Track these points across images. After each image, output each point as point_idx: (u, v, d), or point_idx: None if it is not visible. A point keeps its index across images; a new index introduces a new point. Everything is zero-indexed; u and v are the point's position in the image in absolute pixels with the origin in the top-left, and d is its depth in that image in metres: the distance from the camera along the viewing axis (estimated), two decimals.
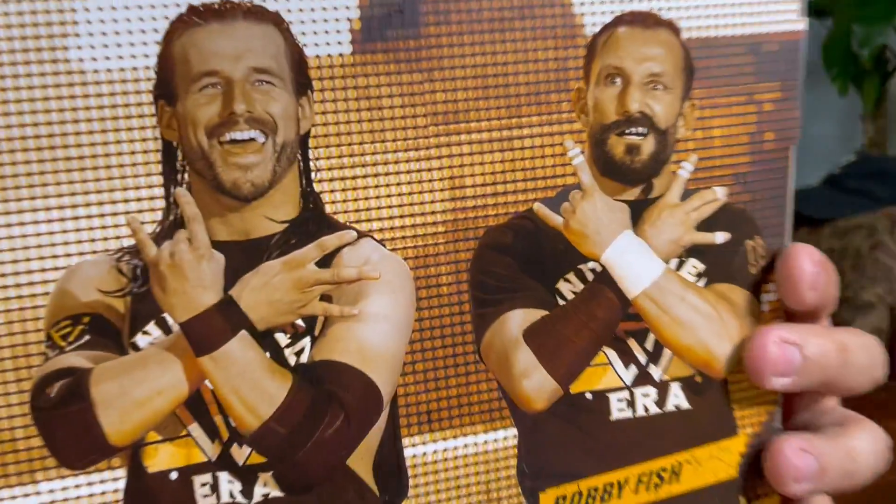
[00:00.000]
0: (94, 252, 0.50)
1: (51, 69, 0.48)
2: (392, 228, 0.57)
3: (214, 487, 0.54)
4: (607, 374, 0.64)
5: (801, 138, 0.66)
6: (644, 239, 0.63)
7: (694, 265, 0.66)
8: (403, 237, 0.57)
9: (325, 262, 0.56)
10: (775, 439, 0.60)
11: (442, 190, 0.58)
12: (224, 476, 0.54)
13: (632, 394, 0.64)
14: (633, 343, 0.65)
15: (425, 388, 0.59)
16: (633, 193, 0.64)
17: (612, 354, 0.64)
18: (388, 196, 0.57)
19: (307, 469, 0.54)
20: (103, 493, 0.51)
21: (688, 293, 0.63)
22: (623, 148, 0.62)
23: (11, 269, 0.49)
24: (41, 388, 0.50)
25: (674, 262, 0.65)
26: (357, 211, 0.56)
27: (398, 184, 0.57)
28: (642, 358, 0.65)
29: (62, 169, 0.49)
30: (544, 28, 0.58)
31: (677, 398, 0.65)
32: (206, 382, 0.53)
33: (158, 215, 0.53)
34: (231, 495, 0.54)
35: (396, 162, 0.57)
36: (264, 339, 0.54)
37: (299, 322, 0.56)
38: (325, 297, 0.56)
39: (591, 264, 0.63)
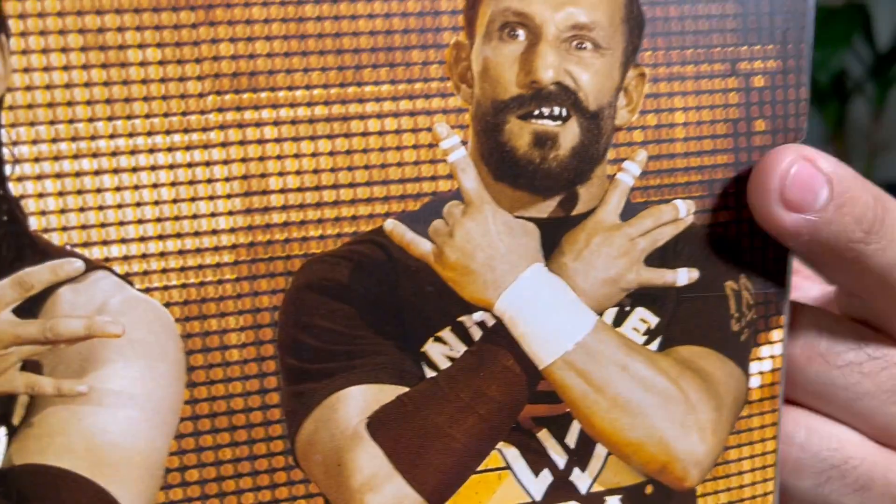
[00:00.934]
0: None
1: None
2: (145, 256, 0.36)
3: None
4: (505, 483, 0.42)
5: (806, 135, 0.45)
6: (565, 277, 0.41)
7: (643, 318, 0.44)
8: (165, 270, 0.37)
9: (32, 308, 0.35)
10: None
11: (229, 196, 0.37)
12: None
13: None
14: (545, 437, 0.43)
15: None
16: (547, 208, 0.43)
17: (512, 454, 0.43)
18: (139, 204, 0.36)
19: None
20: None
21: (633, 360, 0.42)
22: (529, 138, 0.41)
23: None
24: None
25: (611, 314, 0.43)
26: (85, 227, 0.36)
27: (155, 185, 0.36)
28: (560, 459, 0.43)
29: None
30: None
31: None
32: None
33: None
34: None
35: (152, 150, 0.36)
36: None
37: None
38: (32, 366, 0.35)
39: (478, 315, 0.42)
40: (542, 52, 0.40)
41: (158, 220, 0.36)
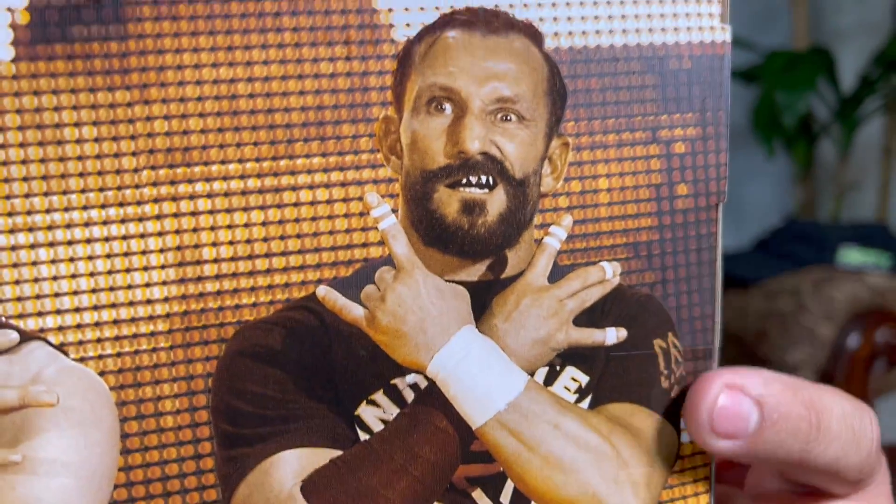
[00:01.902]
0: None
1: None
2: (80, 326, 0.37)
3: None
4: None
5: (733, 197, 0.47)
6: (495, 339, 0.42)
7: (573, 377, 0.45)
8: (100, 339, 0.38)
9: None
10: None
11: (164, 267, 0.38)
12: None
13: None
14: (480, 496, 0.44)
15: None
16: (476, 272, 0.44)
17: None
18: (74, 276, 0.37)
19: None
20: None
21: (564, 418, 0.43)
22: (458, 206, 0.43)
23: None
24: None
25: (542, 373, 0.45)
26: (20, 299, 0.37)
27: (90, 257, 0.37)
28: None
29: None
30: (330, 28, 0.40)
31: None
32: None
33: None
34: None
35: (88, 224, 0.37)
36: None
37: None
38: None
39: (410, 377, 0.43)
40: (468, 125, 0.41)
41: (93, 290, 0.37)
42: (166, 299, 0.38)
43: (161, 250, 0.38)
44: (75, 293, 0.37)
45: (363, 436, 0.41)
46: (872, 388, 1.98)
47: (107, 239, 0.37)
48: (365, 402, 0.42)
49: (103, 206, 0.37)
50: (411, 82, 0.42)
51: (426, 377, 0.41)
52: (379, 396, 0.42)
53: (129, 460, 0.38)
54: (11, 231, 0.36)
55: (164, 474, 0.38)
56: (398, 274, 0.41)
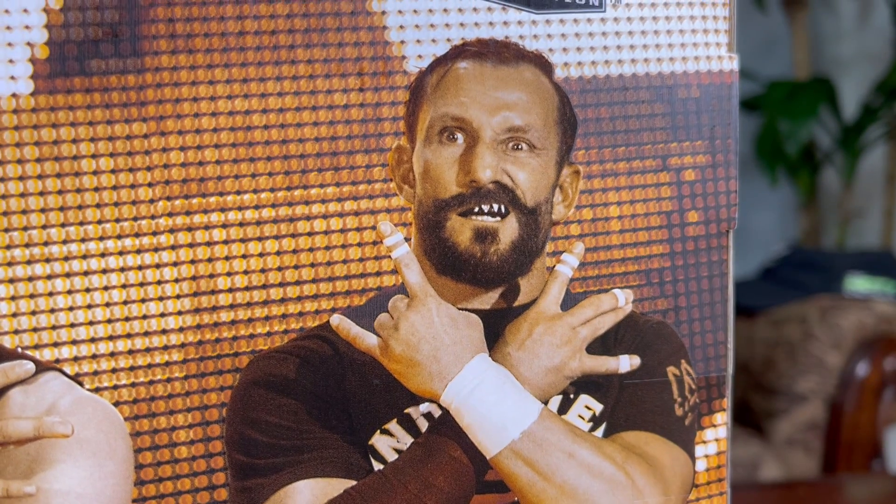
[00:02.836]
0: None
1: None
2: (95, 356, 0.37)
3: None
4: None
5: (738, 224, 0.47)
6: (508, 366, 0.42)
7: (588, 405, 0.45)
8: (115, 370, 0.38)
9: None
10: None
11: (179, 296, 0.38)
12: None
13: None
14: None
15: None
16: (489, 300, 0.44)
17: None
18: (90, 306, 0.37)
19: None
20: None
21: (579, 447, 0.43)
22: (470, 234, 0.43)
23: None
24: None
25: (556, 401, 0.45)
26: (36, 330, 0.37)
27: (106, 287, 0.38)
28: None
29: None
30: (343, 60, 0.40)
31: None
32: None
33: None
34: None
35: (104, 254, 0.38)
36: None
37: None
38: None
39: (424, 406, 0.43)
40: (480, 154, 0.42)
41: (109, 321, 0.37)
42: (181, 329, 0.38)
43: (176, 280, 0.38)
44: (91, 323, 0.37)
45: (377, 465, 0.41)
46: (882, 417, 1.97)
47: (123, 269, 0.37)
48: (379, 431, 0.42)
49: (119, 237, 0.37)
50: (423, 112, 0.42)
51: (440, 406, 0.41)
52: (393, 426, 0.42)
53: (144, 491, 0.37)
54: (28, 262, 0.36)
55: None
56: (411, 302, 0.41)
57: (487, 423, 0.42)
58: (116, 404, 0.37)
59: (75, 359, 0.37)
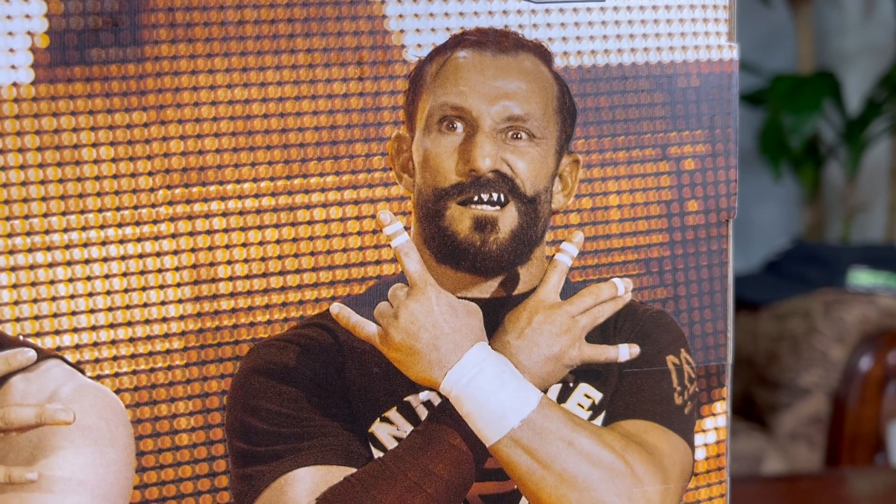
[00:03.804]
0: None
1: None
2: (97, 344, 0.38)
3: None
4: None
5: (742, 219, 0.47)
6: (508, 355, 0.43)
7: (587, 394, 0.45)
8: (116, 357, 0.38)
9: None
10: None
11: (179, 285, 0.39)
12: None
13: None
14: None
15: None
16: (489, 289, 0.44)
17: None
18: (91, 294, 0.38)
19: None
20: None
21: (578, 435, 0.43)
22: (470, 223, 0.43)
23: None
24: None
25: (555, 390, 0.45)
26: (38, 318, 0.37)
27: (107, 275, 0.38)
28: None
29: None
30: (343, 49, 0.40)
31: None
32: None
33: None
34: None
35: (105, 243, 0.38)
36: None
37: None
38: None
39: (424, 394, 0.43)
40: (479, 143, 0.42)
41: (110, 309, 0.37)
42: (182, 317, 0.38)
43: (177, 268, 0.38)
44: (92, 311, 0.37)
45: (377, 453, 0.41)
46: (886, 410, 1.97)
47: (123, 258, 0.37)
48: (379, 419, 0.42)
49: (120, 226, 0.37)
50: (423, 102, 0.42)
51: (439, 394, 0.42)
52: (393, 414, 0.42)
53: (145, 478, 0.38)
54: (30, 250, 0.37)
55: (180, 492, 0.38)
56: (411, 291, 0.41)
57: (487, 412, 0.42)
58: (118, 392, 0.37)
59: (77, 346, 0.37)
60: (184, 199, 0.38)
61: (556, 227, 0.44)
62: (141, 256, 0.38)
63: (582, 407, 0.45)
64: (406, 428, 0.42)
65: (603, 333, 0.45)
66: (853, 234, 2.55)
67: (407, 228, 0.42)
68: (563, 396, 0.44)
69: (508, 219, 0.43)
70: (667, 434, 0.46)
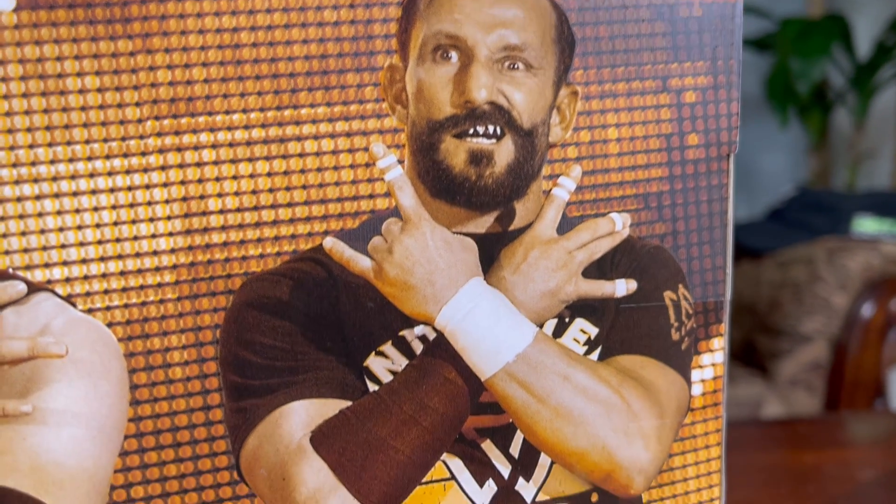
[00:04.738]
0: None
1: None
2: (87, 278, 0.37)
3: None
4: (450, 494, 0.43)
5: (747, 167, 0.46)
6: (504, 290, 0.42)
7: (583, 329, 0.45)
8: (107, 291, 0.38)
9: None
10: None
11: (169, 218, 0.38)
12: None
13: None
14: (489, 447, 0.44)
15: None
16: (484, 224, 0.44)
17: (456, 465, 0.43)
18: (80, 227, 0.37)
19: None
20: None
21: (574, 370, 0.43)
22: (465, 156, 0.42)
23: None
24: None
25: (551, 325, 0.45)
26: (27, 251, 0.37)
27: (96, 208, 0.37)
28: (505, 469, 0.44)
29: None
30: None
31: None
32: None
33: None
34: None
35: (93, 175, 0.37)
36: None
37: None
38: None
39: (419, 329, 0.43)
40: (475, 73, 0.41)
41: (100, 242, 0.37)
42: (173, 251, 0.38)
43: (167, 201, 0.37)
44: (81, 244, 0.37)
45: (372, 387, 0.41)
46: (886, 356, 1.98)
47: (112, 190, 0.37)
48: (374, 353, 0.42)
49: (108, 157, 0.37)
50: (416, 30, 0.41)
51: (435, 329, 0.41)
52: (387, 348, 0.42)
53: (139, 411, 0.38)
54: (17, 182, 0.36)
55: (174, 425, 0.38)
56: (405, 226, 0.40)
57: (482, 347, 0.41)
58: (109, 325, 0.37)
59: (67, 280, 0.37)
60: (172, 130, 0.37)
61: (554, 160, 0.43)
62: (130, 189, 0.37)
63: (577, 342, 0.45)
64: (401, 362, 0.42)
65: (600, 269, 0.44)
66: (859, 181, 2.54)
67: (400, 161, 0.41)
68: (558, 331, 0.44)
69: (505, 152, 0.42)
70: (663, 369, 0.46)
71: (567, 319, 0.44)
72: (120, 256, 0.37)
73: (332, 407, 0.41)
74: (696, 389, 0.46)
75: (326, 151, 0.39)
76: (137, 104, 0.37)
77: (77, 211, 0.36)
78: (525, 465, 0.44)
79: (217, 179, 0.38)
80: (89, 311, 0.37)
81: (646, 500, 0.46)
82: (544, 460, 0.44)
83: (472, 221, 0.43)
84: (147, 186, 0.37)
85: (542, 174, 0.43)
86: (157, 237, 0.37)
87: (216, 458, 0.39)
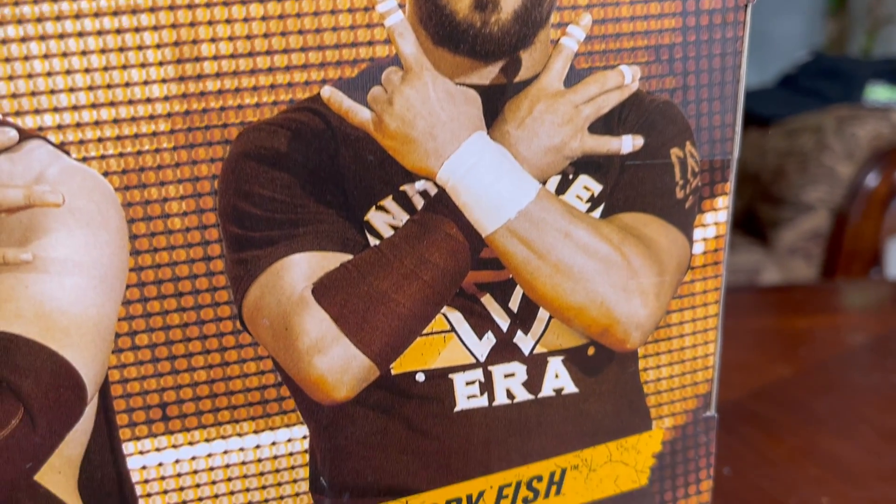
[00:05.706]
0: None
1: None
2: (80, 125, 0.36)
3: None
4: (450, 346, 0.44)
5: (760, 31, 0.44)
6: (507, 145, 0.41)
7: (587, 185, 0.45)
8: (101, 139, 0.37)
9: None
10: None
11: (161, 63, 0.37)
12: None
13: (488, 374, 0.44)
14: (489, 301, 0.44)
15: (156, 371, 0.39)
16: (489, 74, 0.42)
17: (456, 318, 0.44)
18: (69, 72, 0.36)
19: None
20: None
21: (575, 227, 0.42)
22: (469, 1, 0.40)
23: None
24: None
25: (554, 181, 0.44)
26: (15, 96, 0.36)
27: (84, 52, 0.36)
28: (503, 322, 0.45)
29: None
30: None
31: (559, 379, 0.45)
32: None
33: None
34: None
35: (78, 16, 0.35)
36: None
37: None
38: None
39: (420, 184, 0.42)
40: None
41: (90, 88, 0.36)
42: (167, 98, 0.36)
43: (158, 46, 0.36)
44: (72, 90, 0.35)
45: (373, 241, 0.41)
46: (887, 226, 1.98)
47: (100, 32, 0.35)
48: (374, 207, 0.41)
49: None
50: None
51: (436, 184, 0.41)
52: (388, 202, 0.41)
53: (140, 261, 0.38)
54: (0, 24, 0.34)
55: (175, 275, 0.38)
56: (406, 75, 0.39)
57: (484, 202, 0.41)
58: (105, 175, 0.36)
59: (59, 127, 0.36)
60: None
61: (563, 7, 0.41)
62: (119, 31, 0.35)
63: (581, 199, 0.44)
64: (402, 216, 0.42)
65: (606, 124, 0.43)
66: (877, 47, 2.46)
67: (401, 6, 0.39)
68: (561, 188, 0.44)
69: None
70: (666, 227, 0.45)
71: (571, 176, 0.44)
72: (112, 103, 0.36)
73: (332, 260, 0.41)
74: (698, 248, 0.46)
75: None
76: None
77: (64, 55, 0.35)
78: (523, 318, 0.44)
79: (209, 23, 0.36)
80: (84, 159, 0.36)
81: (642, 353, 0.46)
82: (542, 314, 0.44)
83: (476, 72, 0.41)
84: (136, 29, 0.35)
85: (550, 22, 0.41)
86: (149, 83, 0.36)
87: (218, 307, 0.39)
